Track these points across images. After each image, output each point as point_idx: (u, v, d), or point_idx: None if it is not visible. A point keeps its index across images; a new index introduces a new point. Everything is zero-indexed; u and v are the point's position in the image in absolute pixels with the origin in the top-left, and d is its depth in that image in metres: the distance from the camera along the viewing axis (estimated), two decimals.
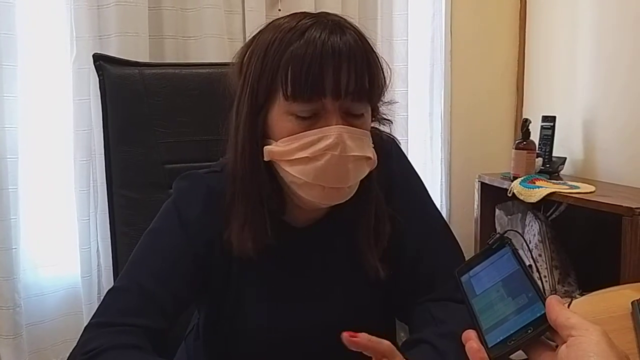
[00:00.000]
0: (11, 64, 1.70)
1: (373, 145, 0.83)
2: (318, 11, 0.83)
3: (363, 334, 0.67)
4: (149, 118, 1.18)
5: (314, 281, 0.90)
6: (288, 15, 0.81)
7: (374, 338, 0.68)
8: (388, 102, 0.87)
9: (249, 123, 0.80)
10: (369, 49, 0.79)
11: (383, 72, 0.82)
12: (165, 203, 0.91)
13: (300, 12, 0.81)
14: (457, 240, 0.96)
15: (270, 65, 0.77)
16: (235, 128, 0.82)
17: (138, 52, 1.78)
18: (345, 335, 0.66)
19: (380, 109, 0.87)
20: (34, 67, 1.80)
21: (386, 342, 0.69)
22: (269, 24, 0.82)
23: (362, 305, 0.93)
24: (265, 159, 0.80)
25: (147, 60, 1.78)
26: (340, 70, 0.75)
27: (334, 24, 0.77)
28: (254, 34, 0.84)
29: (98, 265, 1.89)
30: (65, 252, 1.91)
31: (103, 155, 1.76)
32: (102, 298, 1.87)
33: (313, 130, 0.76)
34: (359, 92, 0.77)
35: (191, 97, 1.21)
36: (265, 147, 0.80)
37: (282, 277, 0.89)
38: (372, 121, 0.85)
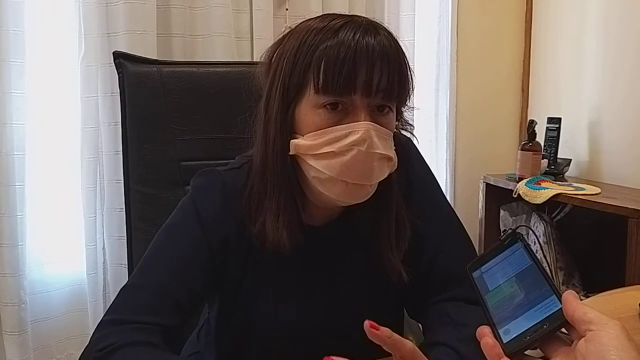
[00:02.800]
0: (19, 61, 1.70)
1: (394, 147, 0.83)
2: (345, 12, 0.83)
3: (385, 328, 0.66)
4: (166, 116, 1.20)
5: (328, 280, 0.91)
6: (317, 17, 0.82)
7: (397, 337, 0.67)
8: (411, 107, 0.88)
9: (280, 117, 0.80)
10: (401, 52, 0.80)
11: (411, 76, 0.82)
12: (183, 199, 0.91)
13: (331, 14, 0.82)
14: (471, 241, 0.97)
15: (303, 60, 0.77)
16: (266, 122, 0.83)
17: (146, 50, 1.78)
18: (367, 324, 0.65)
19: (404, 113, 0.87)
20: (41, 63, 1.80)
21: (410, 344, 0.68)
22: (298, 26, 0.83)
23: (376, 305, 0.93)
24: (291, 152, 0.80)
25: (162, 59, 1.78)
26: (373, 69, 0.76)
27: (367, 24, 0.78)
28: (282, 35, 0.85)
29: (104, 263, 1.89)
30: (71, 249, 1.91)
31: (110, 153, 1.80)
32: (107, 295, 1.89)
33: (341, 126, 0.77)
34: (389, 91, 0.78)
35: (208, 95, 1.23)
36: (292, 140, 0.80)
37: (298, 275, 0.89)
38: (395, 124, 0.85)
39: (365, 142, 0.76)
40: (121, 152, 1.22)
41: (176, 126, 1.20)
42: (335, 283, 0.91)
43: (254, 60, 1.98)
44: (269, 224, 0.82)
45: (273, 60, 0.83)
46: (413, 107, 0.89)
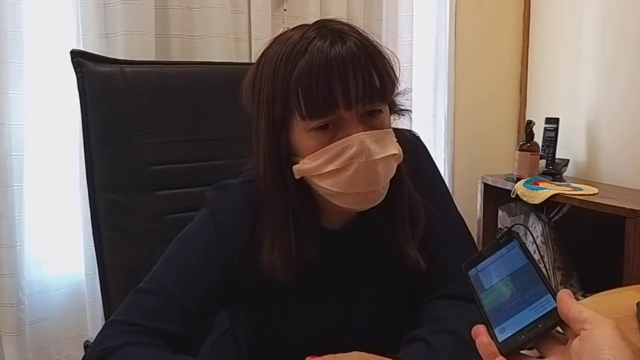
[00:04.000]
0: (17, 61, 1.70)
1: (397, 141, 0.83)
2: (321, 18, 0.84)
3: (326, 356, 0.69)
4: (132, 118, 1.14)
5: (351, 283, 0.91)
6: (294, 28, 0.82)
7: (337, 355, 0.69)
8: (402, 92, 0.87)
9: (269, 145, 0.81)
10: (372, 50, 0.79)
11: (392, 67, 0.82)
12: (200, 212, 0.90)
13: (304, 24, 0.82)
14: (473, 239, 0.98)
15: (281, 87, 0.78)
16: (256, 151, 0.83)
17: (144, 50, 1.79)
18: None
19: (396, 100, 0.87)
20: (40, 64, 1.81)
21: (354, 354, 0.70)
22: (276, 38, 0.83)
23: (398, 305, 0.94)
24: (296, 177, 0.81)
25: (153, 59, 1.79)
26: (347, 80, 0.76)
27: (333, 34, 0.78)
28: (262, 51, 0.85)
29: None
30: (69, 250, 1.91)
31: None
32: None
33: (335, 142, 0.77)
34: (370, 96, 0.78)
35: (175, 96, 1.18)
36: (294, 166, 0.81)
37: (321, 280, 0.89)
38: (390, 114, 0.85)
39: (363, 153, 0.76)
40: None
41: (144, 128, 1.14)
42: (358, 285, 0.91)
43: (252, 61, 1.98)
44: (265, 252, 0.83)
45: (255, 81, 0.83)
46: (404, 91, 0.88)
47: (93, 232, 1.14)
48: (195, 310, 0.83)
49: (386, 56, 0.81)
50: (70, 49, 1.16)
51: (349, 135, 0.77)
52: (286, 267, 0.82)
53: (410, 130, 0.95)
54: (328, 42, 0.76)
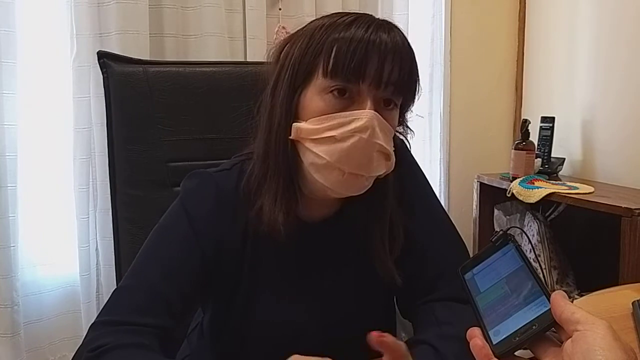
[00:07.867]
0: (10, 61, 1.69)
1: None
2: (329, 12, 0.84)
3: (389, 335, 0.68)
4: (153, 116, 1.19)
5: (323, 278, 0.91)
6: (326, 16, 0.83)
7: (399, 341, 0.68)
8: (411, 109, 0.89)
9: (286, 102, 0.80)
10: (412, 52, 0.81)
11: (419, 80, 0.83)
12: (174, 202, 0.90)
13: (338, 12, 0.83)
14: (463, 241, 0.97)
15: (315, 45, 0.78)
16: (272, 108, 0.83)
17: (138, 50, 1.77)
18: (374, 334, 0.66)
19: (405, 114, 0.87)
20: (33, 64, 1.79)
21: (404, 346, 0.70)
22: (309, 24, 0.84)
23: (369, 303, 0.93)
24: (292, 136, 0.80)
25: (147, 58, 1.78)
26: (384, 61, 0.76)
27: (381, 21, 0.79)
28: (292, 33, 0.86)
29: (97, 264, 1.88)
30: (64, 251, 1.90)
31: (103, 154, 1.79)
32: (100, 297, 1.88)
33: (345, 112, 0.77)
34: (400, 86, 0.78)
35: (195, 95, 1.22)
36: (294, 124, 0.80)
37: (293, 272, 0.89)
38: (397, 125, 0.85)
39: (368, 130, 0.76)
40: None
41: (163, 127, 1.19)
42: (329, 282, 0.91)
43: (247, 60, 1.98)
44: (266, 206, 0.82)
45: (284, 49, 0.84)
46: (412, 111, 0.89)
47: (112, 224, 1.21)
48: (180, 304, 0.83)
49: (417, 66, 0.82)
50: (97, 50, 1.21)
51: (361, 109, 0.77)
52: (287, 222, 0.82)
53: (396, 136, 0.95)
54: (374, 25, 0.77)
